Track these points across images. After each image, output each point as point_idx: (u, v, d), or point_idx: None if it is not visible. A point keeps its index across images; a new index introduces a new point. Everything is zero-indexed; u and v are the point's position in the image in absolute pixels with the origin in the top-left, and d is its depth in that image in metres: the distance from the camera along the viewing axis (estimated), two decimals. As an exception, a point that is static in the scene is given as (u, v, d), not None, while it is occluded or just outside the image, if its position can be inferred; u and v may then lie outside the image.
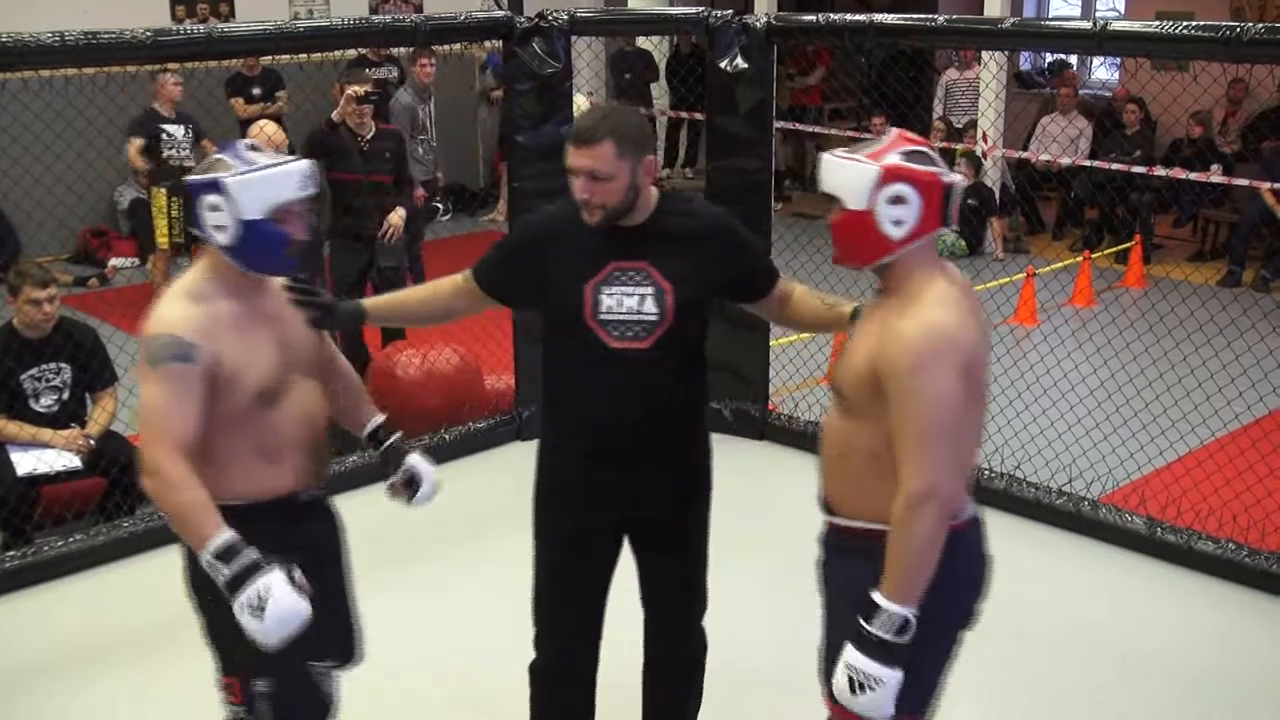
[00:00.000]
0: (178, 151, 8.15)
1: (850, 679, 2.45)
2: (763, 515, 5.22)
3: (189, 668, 4.01)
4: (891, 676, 2.42)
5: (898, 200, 2.41)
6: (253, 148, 2.71)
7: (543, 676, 3.12)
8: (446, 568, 4.58)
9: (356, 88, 6.71)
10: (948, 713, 3.72)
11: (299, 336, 2.78)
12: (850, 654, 2.45)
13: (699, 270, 2.83)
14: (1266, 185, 8.93)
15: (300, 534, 2.78)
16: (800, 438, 5.79)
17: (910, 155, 2.45)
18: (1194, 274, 9.21)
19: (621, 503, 2.96)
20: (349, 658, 3.05)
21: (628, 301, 2.79)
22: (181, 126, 8.23)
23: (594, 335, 2.79)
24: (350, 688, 3.87)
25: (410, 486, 3.02)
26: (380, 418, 3.08)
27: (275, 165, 2.64)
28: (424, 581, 4.54)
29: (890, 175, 2.41)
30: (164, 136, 8.16)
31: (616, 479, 2.92)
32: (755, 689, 3.88)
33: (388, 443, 3.03)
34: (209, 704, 3.81)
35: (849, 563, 2.60)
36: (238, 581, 2.48)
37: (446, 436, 5.58)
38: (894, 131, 2.51)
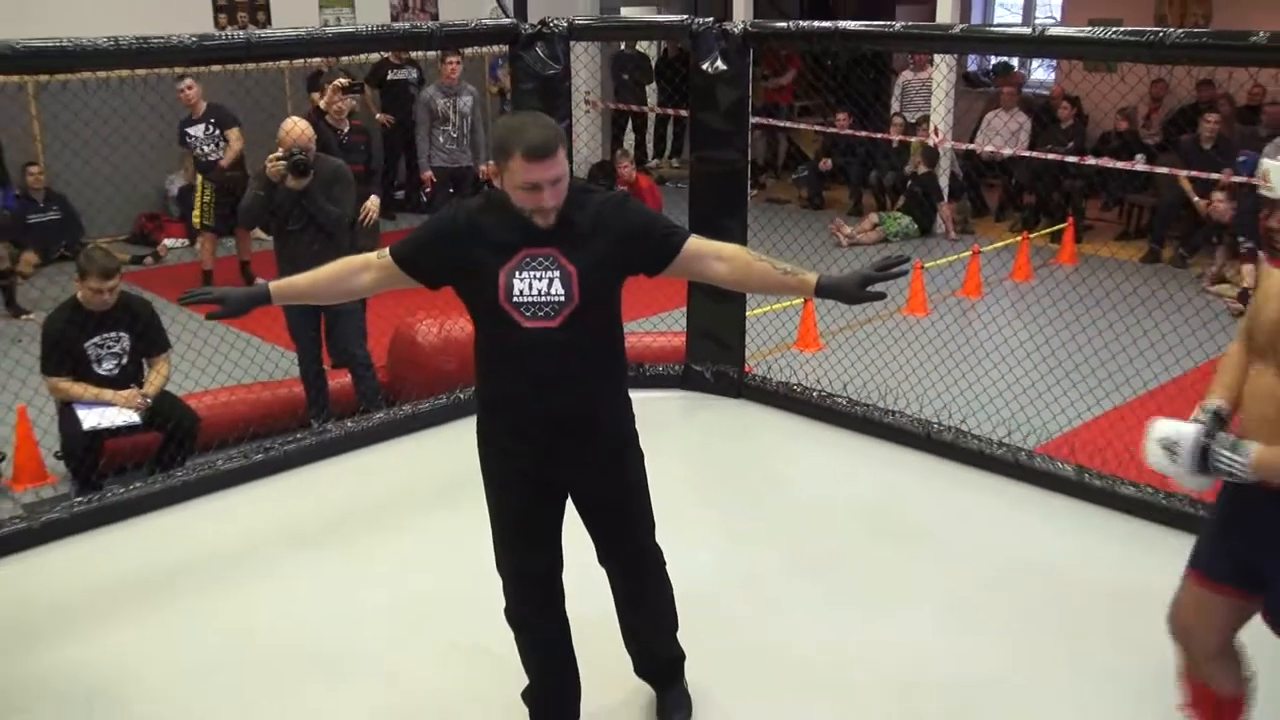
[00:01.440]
0: (201, 148, 8.01)
1: (1166, 442, 2.63)
2: (740, 465, 5.25)
3: (246, 593, 4.06)
4: (1185, 478, 2.64)
5: None
6: None
7: (514, 622, 3.09)
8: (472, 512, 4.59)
9: (341, 79, 6.73)
10: (903, 617, 3.76)
11: None
12: (1190, 434, 2.61)
13: (600, 252, 2.77)
14: (1184, 173, 8.93)
15: None
16: (773, 396, 5.80)
17: None
18: (1120, 251, 9.24)
19: (546, 468, 2.91)
20: None
21: (537, 285, 2.74)
22: (202, 125, 7.99)
23: (509, 316, 2.75)
24: (390, 620, 3.91)
25: None
26: None
27: None
28: (449, 526, 4.56)
29: None
30: (188, 139, 8.06)
31: (537, 447, 2.88)
32: (726, 627, 3.90)
33: None
34: (259, 625, 3.85)
35: None
36: None
37: (461, 396, 5.57)
38: None
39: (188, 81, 7.90)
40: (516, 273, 2.75)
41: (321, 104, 6.91)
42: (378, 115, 10.11)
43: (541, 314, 2.75)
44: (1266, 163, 2.55)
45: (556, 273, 2.74)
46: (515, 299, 2.75)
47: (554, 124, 2.74)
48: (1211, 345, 6.59)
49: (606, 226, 2.80)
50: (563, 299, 2.74)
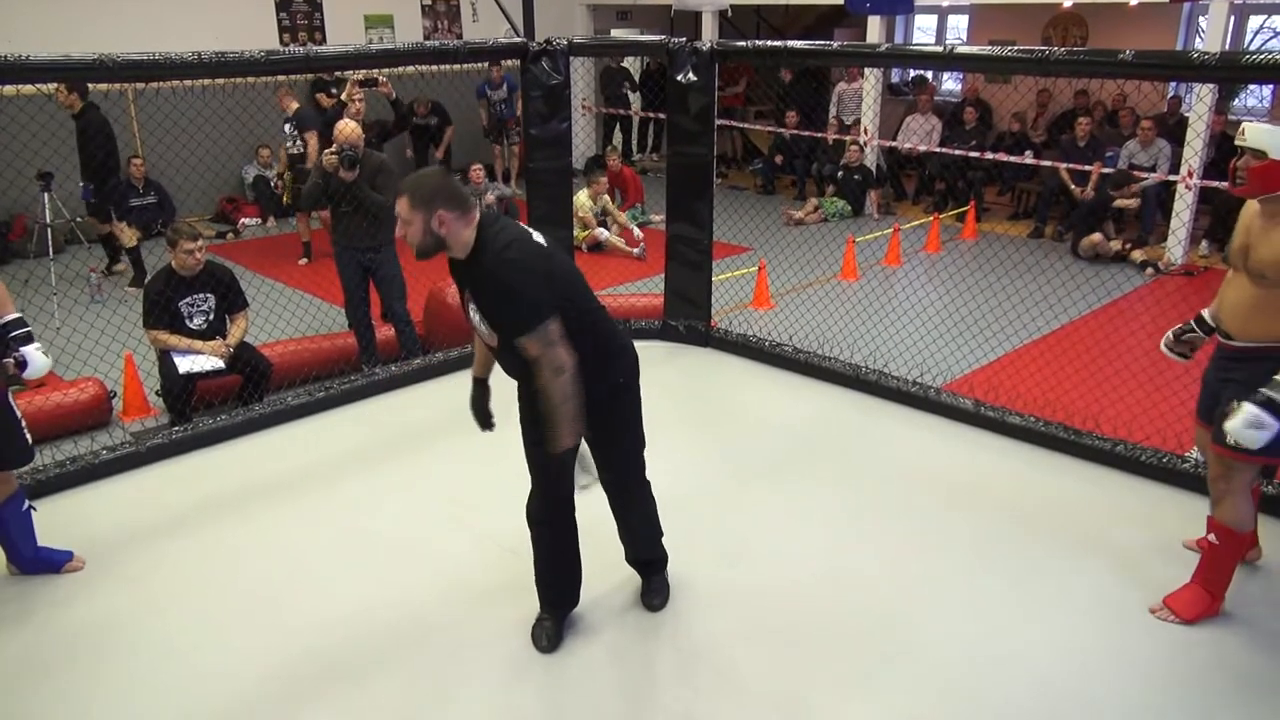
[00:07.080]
0: (288, 144, 7.95)
1: (1248, 418, 2.85)
2: (708, 398, 5.25)
3: (315, 499, 4.06)
4: (1275, 424, 2.84)
5: None
6: None
7: (532, 519, 3.07)
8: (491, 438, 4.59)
9: (358, 74, 6.62)
10: (829, 514, 3.79)
11: None
12: (1251, 406, 2.86)
13: (489, 307, 2.69)
14: (1063, 166, 8.90)
15: None
16: (733, 345, 5.80)
17: None
18: (1011, 229, 9.23)
19: None
20: None
21: (475, 317, 2.75)
22: (289, 125, 7.90)
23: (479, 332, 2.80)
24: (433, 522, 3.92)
25: (20, 367, 3.28)
26: (11, 315, 3.26)
27: None
28: (474, 448, 4.55)
29: None
30: (284, 133, 7.96)
31: None
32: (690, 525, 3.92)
33: (11, 334, 3.24)
34: (330, 520, 3.85)
35: (1253, 366, 2.98)
36: None
37: (484, 345, 5.55)
38: None
39: (284, 89, 7.75)
40: (468, 305, 2.77)
41: (342, 97, 6.73)
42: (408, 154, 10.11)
43: (489, 336, 2.75)
44: (1255, 126, 2.89)
45: (477, 312, 2.73)
46: (473, 323, 2.79)
47: (419, 180, 2.63)
48: (1084, 304, 6.62)
49: (486, 288, 2.66)
50: (487, 330, 2.74)
